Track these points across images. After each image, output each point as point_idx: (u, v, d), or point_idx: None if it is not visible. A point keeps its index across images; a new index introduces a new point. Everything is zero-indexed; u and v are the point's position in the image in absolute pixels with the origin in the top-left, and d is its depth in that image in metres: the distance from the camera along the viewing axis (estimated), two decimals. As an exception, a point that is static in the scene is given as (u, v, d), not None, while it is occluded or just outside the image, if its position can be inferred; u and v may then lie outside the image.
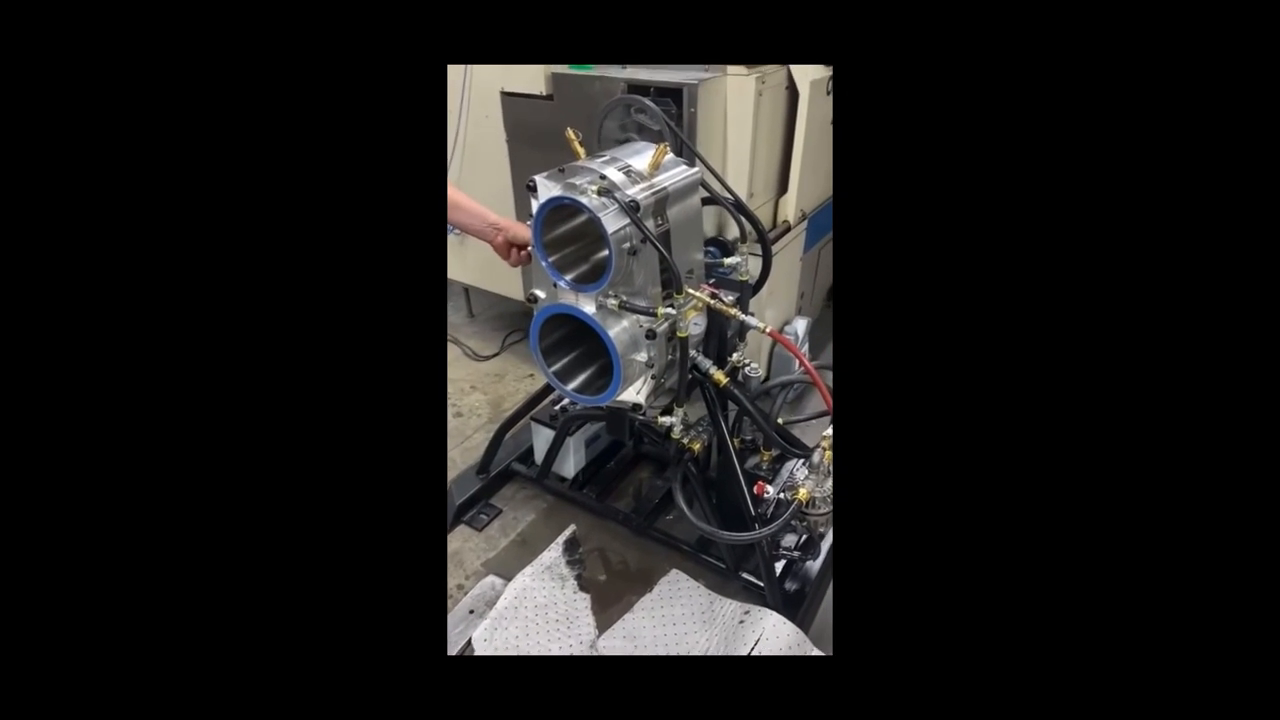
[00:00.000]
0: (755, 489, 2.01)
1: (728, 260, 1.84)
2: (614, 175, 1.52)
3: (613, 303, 1.61)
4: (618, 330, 1.65)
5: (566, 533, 2.36)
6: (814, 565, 2.07)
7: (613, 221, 1.49)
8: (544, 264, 1.65)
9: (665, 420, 1.78)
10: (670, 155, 1.60)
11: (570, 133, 1.64)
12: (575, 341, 1.84)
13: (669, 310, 1.57)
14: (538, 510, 2.48)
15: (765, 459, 2.11)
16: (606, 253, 1.53)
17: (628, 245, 1.53)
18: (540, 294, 1.75)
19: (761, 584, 2.05)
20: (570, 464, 2.47)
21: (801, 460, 2.03)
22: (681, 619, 2.04)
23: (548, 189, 1.58)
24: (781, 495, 2.03)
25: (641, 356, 1.68)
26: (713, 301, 1.63)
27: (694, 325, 1.70)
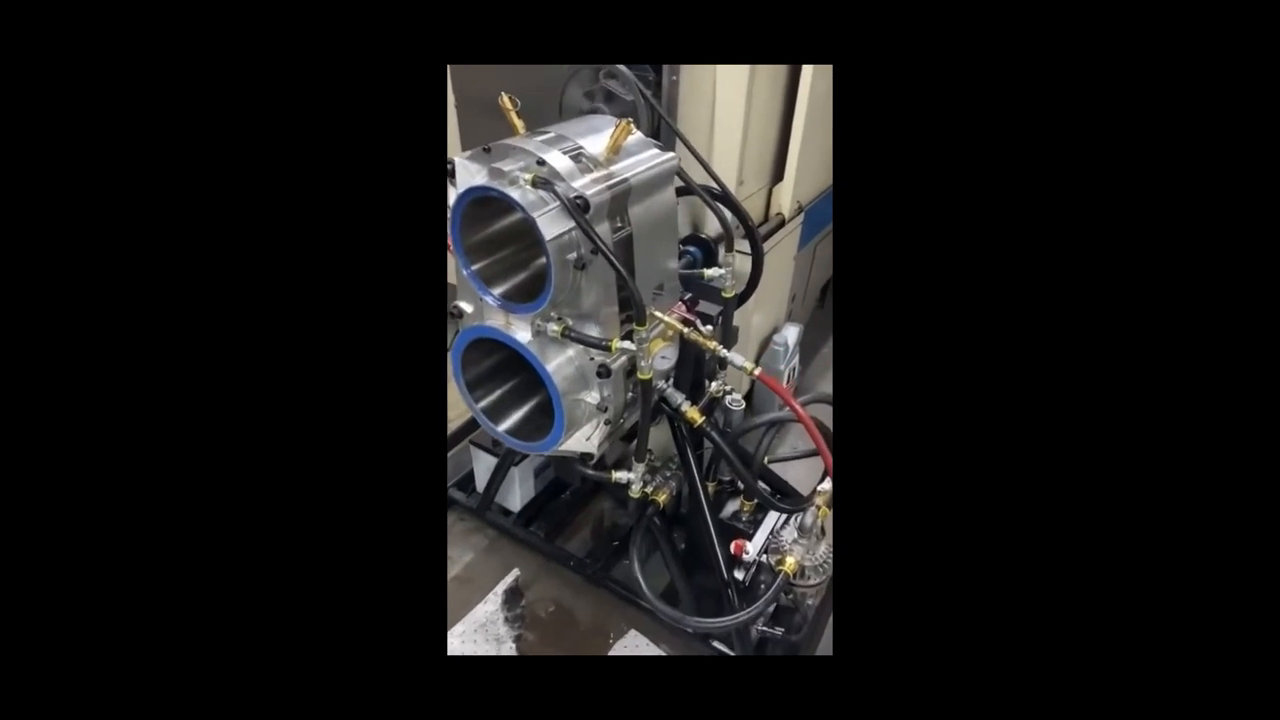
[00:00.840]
0: (733, 548, 1.66)
1: (709, 272, 1.45)
2: (557, 160, 1.12)
3: (554, 329, 1.22)
4: (560, 362, 1.27)
5: (508, 579, 2.00)
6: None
7: (552, 224, 1.10)
8: (465, 273, 1.25)
9: (621, 476, 1.40)
10: (636, 135, 1.20)
11: (505, 99, 1.24)
12: (511, 369, 1.45)
13: (626, 346, 1.18)
14: (476, 548, 2.11)
15: (746, 508, 1.75)
16: (545, 262, 1.14)
17: (573, 256, 1.14)
18: (466, 308, 1.36)
19: (732, 653, 1.71)
20: (516, 495, 2.10)
21: (786, 517, 1.68)
22: (638, 696, 1.70)
23: (469, 174, 1.18)
24: (763, 558, 1.69)
25: (592, 397, 1.30)
26: (687, 331, 1.24)
27: (661, 359, 1.32)
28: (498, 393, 1.44)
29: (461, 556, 2.09)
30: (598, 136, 1.23)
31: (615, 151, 1.17)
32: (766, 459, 1.78)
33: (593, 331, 1.22)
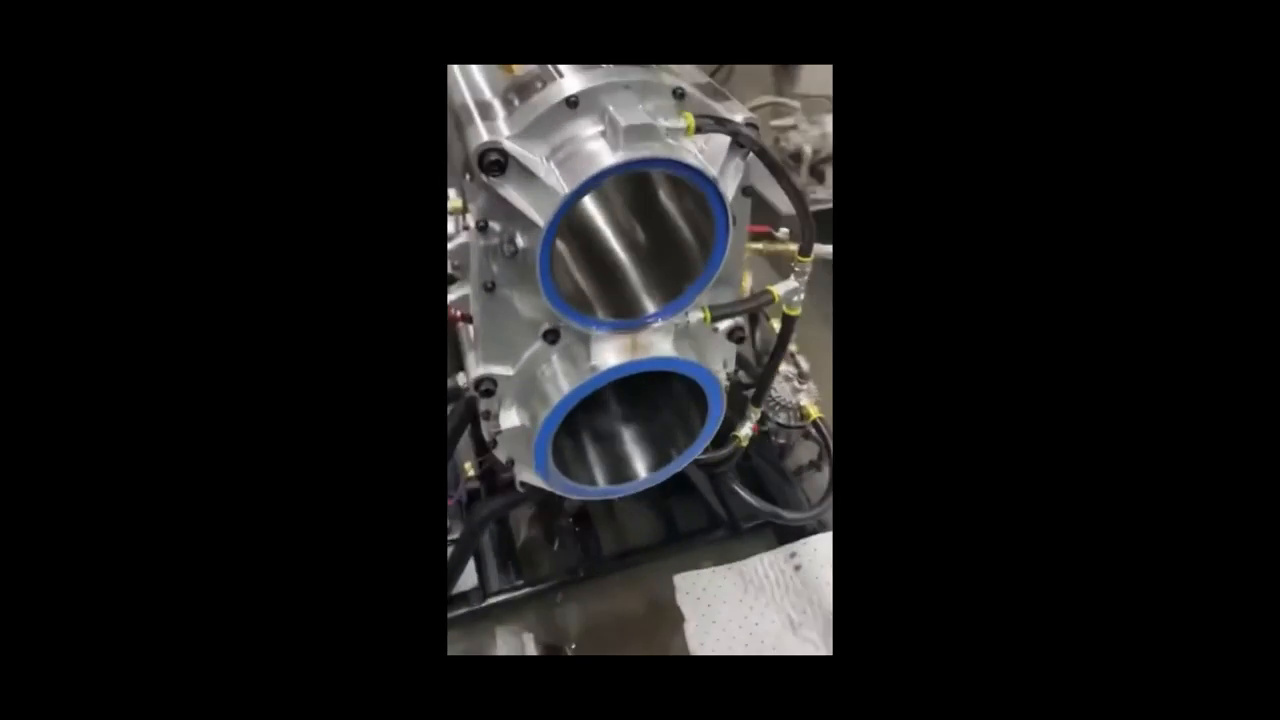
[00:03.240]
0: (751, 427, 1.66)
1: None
2: (684, 82, 0.74)
3: (698, 316, 0.90)
4: (683, 345, 0.95)
5: (530, 649, 1.60)
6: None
7: (731, 179, 0.77)
8: (599, 329, 0.81)
9: (743, 433, 1.21)
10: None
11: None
12: (571, 424, 1.02)
13: (790, 287, 0.96)
14: (468, 653, 1.60)
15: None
16: (715, 235, 0.80)
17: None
18: (502, 371, 0.87)
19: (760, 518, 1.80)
20: (470, 574, 1.61)
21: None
22: (734, 622, 1.68)
23: (532, 150, 0.69)
24: (770, 425, 1.73)
25: (720, 369, 1.04)
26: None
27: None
28: (591, 450, 1.03)
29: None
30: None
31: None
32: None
33: (727, 296, 0.95)
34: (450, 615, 1.60)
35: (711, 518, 1.84)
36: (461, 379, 1.15)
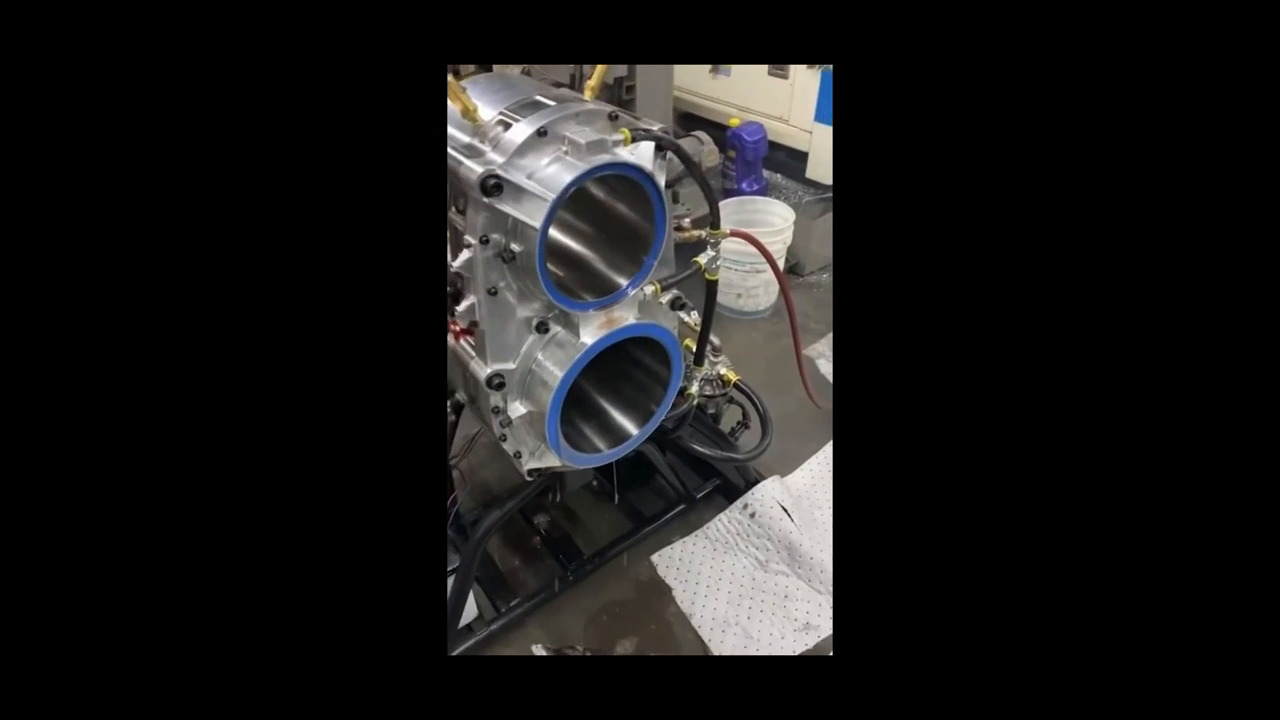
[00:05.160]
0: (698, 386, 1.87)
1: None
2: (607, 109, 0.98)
3: (651, 290, 1.13)
4: (639, 318, 1.17)
5: (539, 650, 1.69)
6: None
7: (660, 174, 1.01)
8: (590, 309, 0.99)
9: (694, 390, 1.45)
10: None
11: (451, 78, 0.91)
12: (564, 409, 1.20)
13: (710, 256, 1.22)
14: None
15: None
16: (653, 223, 1.04)
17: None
18: (500, 367, 1.04)
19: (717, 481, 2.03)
20: (471, 605, 1.68)
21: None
22: (713, 577, 1.90)
23: (521, 170, 0.90)
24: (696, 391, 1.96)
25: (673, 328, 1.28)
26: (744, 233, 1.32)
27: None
28: (586, 427, 1.21)
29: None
30: (544, 90, 1.07)
31: (596, 91, 1.08)
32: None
33: (664, 273, 1.19)
34: (460, 649, 1.65)
35: (668, 499, 2.04)
36: (460, 395, 1.29)
